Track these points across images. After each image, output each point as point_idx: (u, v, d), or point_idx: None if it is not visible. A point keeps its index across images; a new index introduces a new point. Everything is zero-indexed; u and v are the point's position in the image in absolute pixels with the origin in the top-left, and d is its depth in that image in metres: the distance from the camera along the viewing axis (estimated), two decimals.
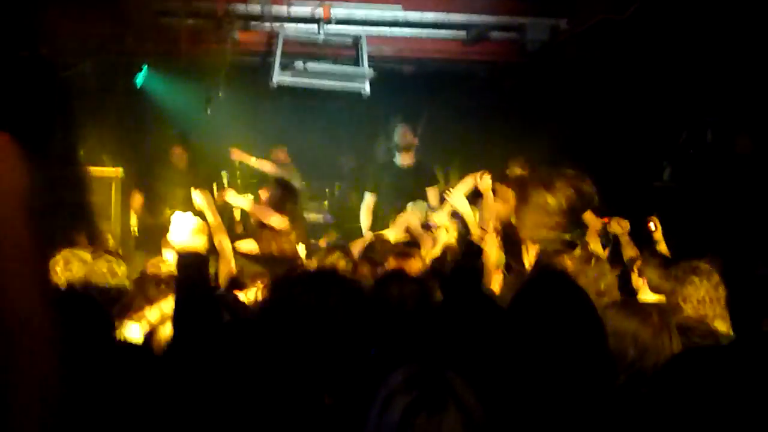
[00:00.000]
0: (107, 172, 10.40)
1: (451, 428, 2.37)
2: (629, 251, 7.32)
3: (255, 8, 9.48)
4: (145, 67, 10.74)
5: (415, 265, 6.62)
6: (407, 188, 10.35)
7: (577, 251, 6.32)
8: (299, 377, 3.02)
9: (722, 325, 5.25)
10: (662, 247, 7.70)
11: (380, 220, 10.44)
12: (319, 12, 9.55)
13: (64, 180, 10.04)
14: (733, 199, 9.26)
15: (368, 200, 10.47)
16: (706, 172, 10.14)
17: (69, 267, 6.11)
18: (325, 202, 13.15)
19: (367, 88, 9.87)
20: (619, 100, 10.33)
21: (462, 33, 10.05)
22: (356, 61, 10.03)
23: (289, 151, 11.75)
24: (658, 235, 7.81)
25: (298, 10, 9.58)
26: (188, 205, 10.24)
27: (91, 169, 10.26)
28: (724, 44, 8.93)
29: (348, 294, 3.56)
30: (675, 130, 10.58)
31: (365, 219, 10.36)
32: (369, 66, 9.92)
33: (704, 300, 5.34)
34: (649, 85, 9.99)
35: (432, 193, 10.37)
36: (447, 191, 7.72)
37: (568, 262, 6.07)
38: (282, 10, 9.53)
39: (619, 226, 7.60)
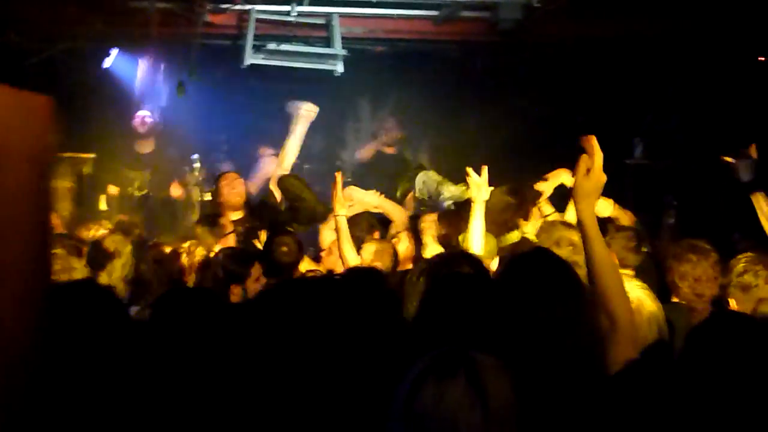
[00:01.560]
0: (78, 157, 10.32)
1: (455, 399, 2.25)
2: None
3: None
4: (115, 51, 10.63)
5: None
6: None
7: None
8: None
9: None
10: None
11: None
12: None
13: None
14: (704, 174, 9.34)
15: None
16: (677, 148, 10.23)
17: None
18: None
19: (340, 67, 9.84)
20: (591, 78, 10.37)
21: (434, 12, 9.96)
22: (328, 42, 9.97)
23: (259, 134, 11.76)
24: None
25: None
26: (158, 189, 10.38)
27: (62, 154, 10.16)
28: (696, 21, 9.00)
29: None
30: (646, 107, 10.66)
31: None
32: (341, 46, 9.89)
33: (701, 279, 5.36)
34: (621, 61, 10.04)
35: None
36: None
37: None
38: None
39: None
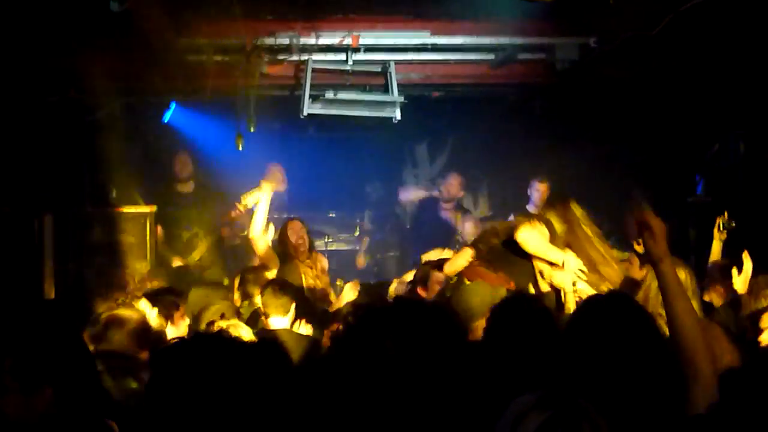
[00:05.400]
0: (140, 211, 10.35)
1: None
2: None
3: (283, 40, 9.39)
4: (173, 104, 10.73)
5: None
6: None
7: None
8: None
9: None
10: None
11: None
12: (348, 40, 9.44)
13: (96, 220, 10.04)
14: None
15: None
16: (740, 185, 10.06)
17: None
18: (356, 232, 13.13)
19: (398, 114, 9.81)
20: (650, 116, 10.25)
21: (490, 56, 9.90)
22: (385, 88, 9.95)
23: (318, 182, 11.79)
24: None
25: (326, 40, 9.47)
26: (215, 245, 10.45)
27: (124, 208, 10.23)
28: (754, 56, 8.86)
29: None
30: (707, 144, 10.50)
31: None
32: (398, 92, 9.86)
33: None
34: (680, 99, 9.91)
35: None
36: None
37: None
38: (310, 40, 9.41)
39: None
